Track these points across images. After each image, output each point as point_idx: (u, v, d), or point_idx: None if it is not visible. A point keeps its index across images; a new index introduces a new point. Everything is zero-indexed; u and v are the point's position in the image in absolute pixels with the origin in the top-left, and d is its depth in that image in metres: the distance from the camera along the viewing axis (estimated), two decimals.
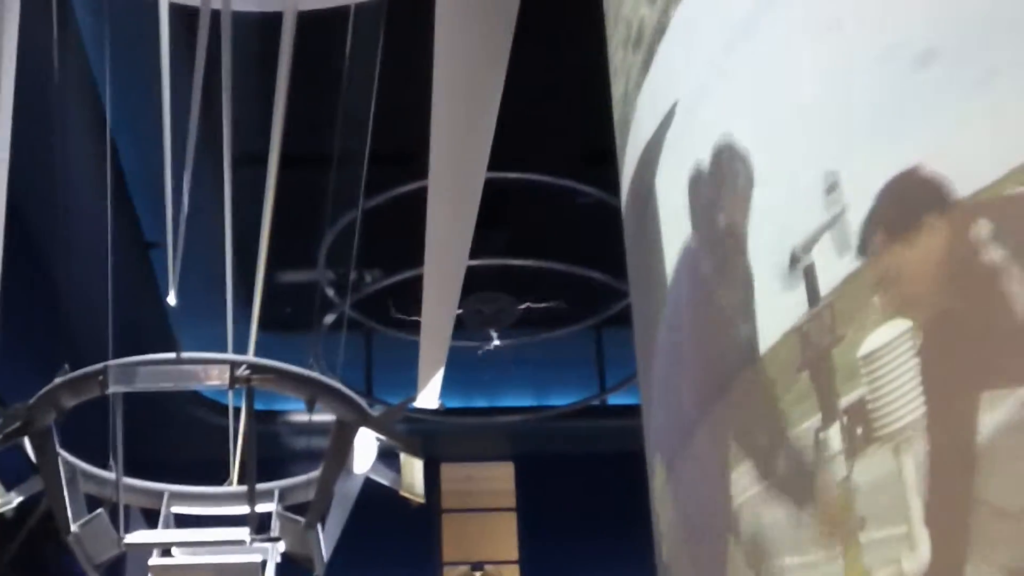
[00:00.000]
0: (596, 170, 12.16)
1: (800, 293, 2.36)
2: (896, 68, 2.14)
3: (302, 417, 17.11)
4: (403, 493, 9.43)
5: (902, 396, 2.03)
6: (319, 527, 9.19)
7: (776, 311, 2.47)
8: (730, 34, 2.71)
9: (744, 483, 2.65)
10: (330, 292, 14.67)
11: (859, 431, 2.13)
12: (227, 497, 9.80)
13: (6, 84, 7.71)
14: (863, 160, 2.20)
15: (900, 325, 2.06)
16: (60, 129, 9.62)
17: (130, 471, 9.43)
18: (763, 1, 2.60)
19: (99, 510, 9.15)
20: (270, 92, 8.36)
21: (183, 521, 9.66)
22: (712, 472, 2.83)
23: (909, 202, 2.07)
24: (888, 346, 2.07)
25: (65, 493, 8.81)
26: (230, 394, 10.10)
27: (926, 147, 2.05)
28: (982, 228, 1.92)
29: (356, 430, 8.97)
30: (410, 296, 10.17)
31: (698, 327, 2.96)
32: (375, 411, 9.48)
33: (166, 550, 9.28)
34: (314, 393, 8.79)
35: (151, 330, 14.45)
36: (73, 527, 8.86)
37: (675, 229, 3.08)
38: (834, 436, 2.22)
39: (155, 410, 13.98)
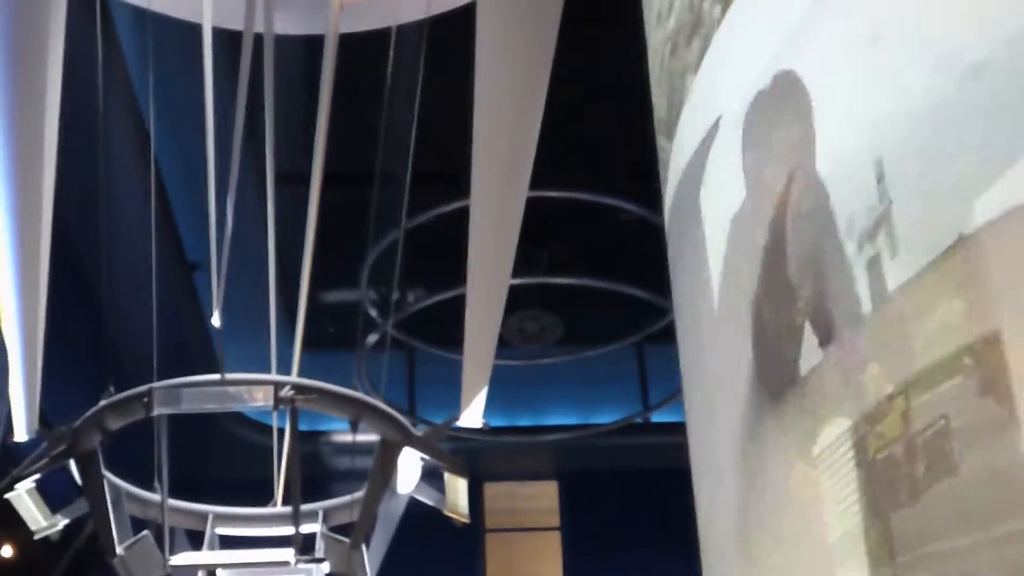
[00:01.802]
0: (641, 185, 12.14)
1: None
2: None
3: (346, 437, 17.17)
4: (447, 512, 9.41)
5: None
6: (364, 547, 9.18)
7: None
8: (779, 44, 2.66)
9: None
10: (372, 312, 14.68)
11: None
12: (271, 518, 9.81)
13: (51, 107, 7.76)
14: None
15: None
16: (104, 152, 9.67)
17: (174, 492, 9.46)
18: (814, 9, 2.55)
19: (144, 532, 9.17)
20: (313, 112, 8.38)
21: (228, 542, 9.67)
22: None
23: None
24: None
25: (111, 515, 8.84)
26: (274, 415, 10.11)
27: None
28: None
29: (400, 450, 8.96)
30: (453, 315, 10.15)
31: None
32: (419, 430, 9.47)
33: (211, 572, 9.29)
34: (358, 413, 8.79)
35: (195, 350, 14.51)
36: (118, 549, 8.88)
37: (719, 245, 3.04)
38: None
39: (199, 430, 14.04)
